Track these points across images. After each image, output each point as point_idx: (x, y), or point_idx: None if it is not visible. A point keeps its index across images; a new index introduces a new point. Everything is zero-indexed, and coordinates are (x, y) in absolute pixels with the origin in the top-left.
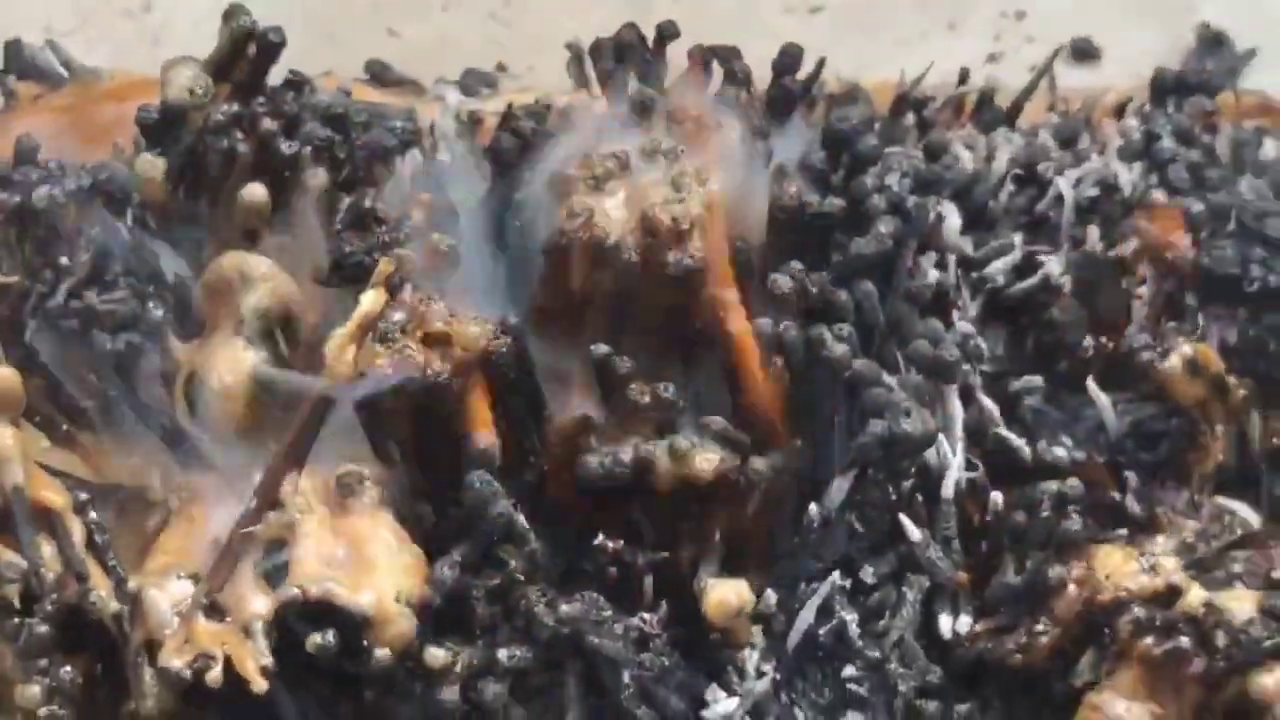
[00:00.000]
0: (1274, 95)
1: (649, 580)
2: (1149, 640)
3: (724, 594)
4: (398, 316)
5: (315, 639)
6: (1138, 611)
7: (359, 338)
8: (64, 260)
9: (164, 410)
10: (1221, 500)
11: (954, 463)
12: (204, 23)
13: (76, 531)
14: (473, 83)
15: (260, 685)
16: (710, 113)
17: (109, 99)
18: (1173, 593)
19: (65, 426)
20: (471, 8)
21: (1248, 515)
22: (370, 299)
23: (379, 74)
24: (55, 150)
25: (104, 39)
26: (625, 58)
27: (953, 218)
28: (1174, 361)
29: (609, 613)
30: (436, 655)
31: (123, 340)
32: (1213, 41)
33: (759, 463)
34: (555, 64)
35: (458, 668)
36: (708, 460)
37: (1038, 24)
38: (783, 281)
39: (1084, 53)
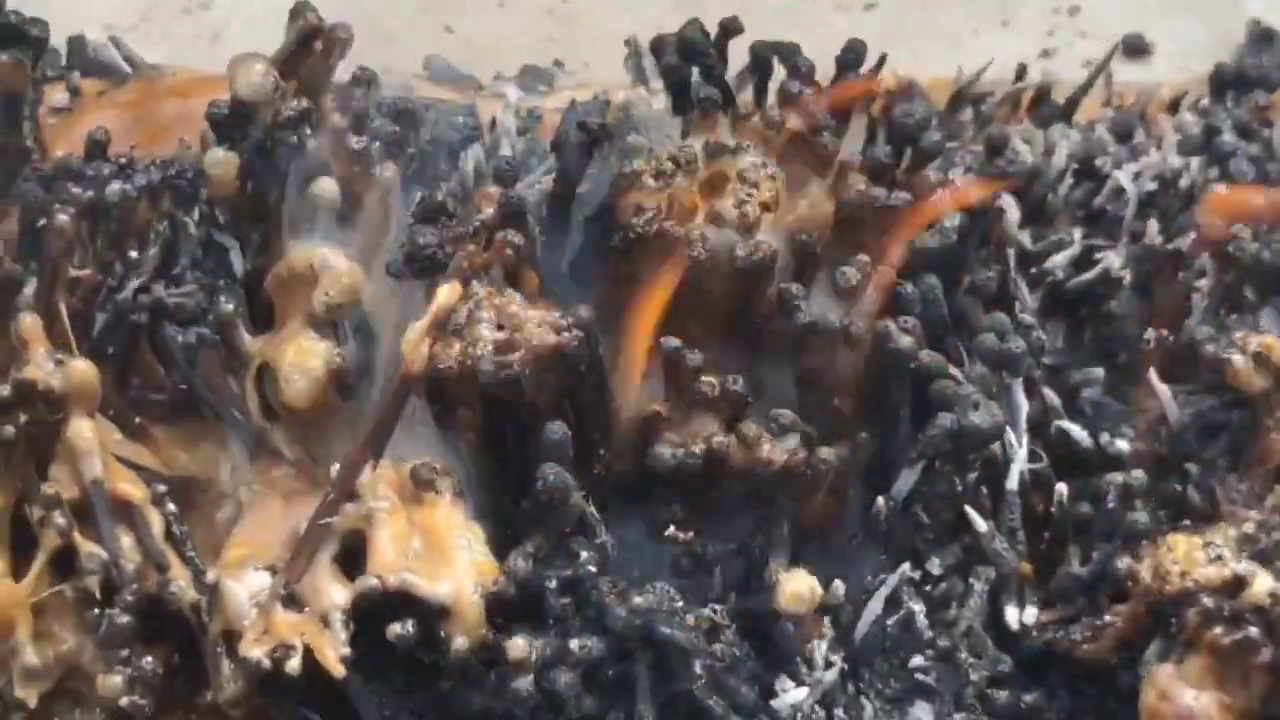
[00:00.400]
0: None
1: (719, 571)
2: (1217, 630)
3: (796, 586)
4: (471, 310)
5: (395, 629)
6: (1206, 601)
7: (434, 331)
8: (134, 254)
9: (234, 403)
10: None
11: (1019, 455)
12: (262, 20)
13: (155, 523)
14: (530, 79)
15: (339, 673)
16: (772, 109)
17: (173, 95)
18: (1239, 583)
19: (137, 419)
20: (527, 5)
21: None
22: (445, 293)
23: (437, 69)
24: (122, 145)
25: (164, 36)
26: (688, 54)
27: (1013, 212)
28: (1239, 354)
29: (680, 604)
30: (518, 645)
31: (193, 333)
32: (1263, 37)
33: (826, 452)
34: (611, 60)
35: (532, 658)
36: (777, 448)
37: (1090, 20)
38: (850, 274)
39: (1136, 48)
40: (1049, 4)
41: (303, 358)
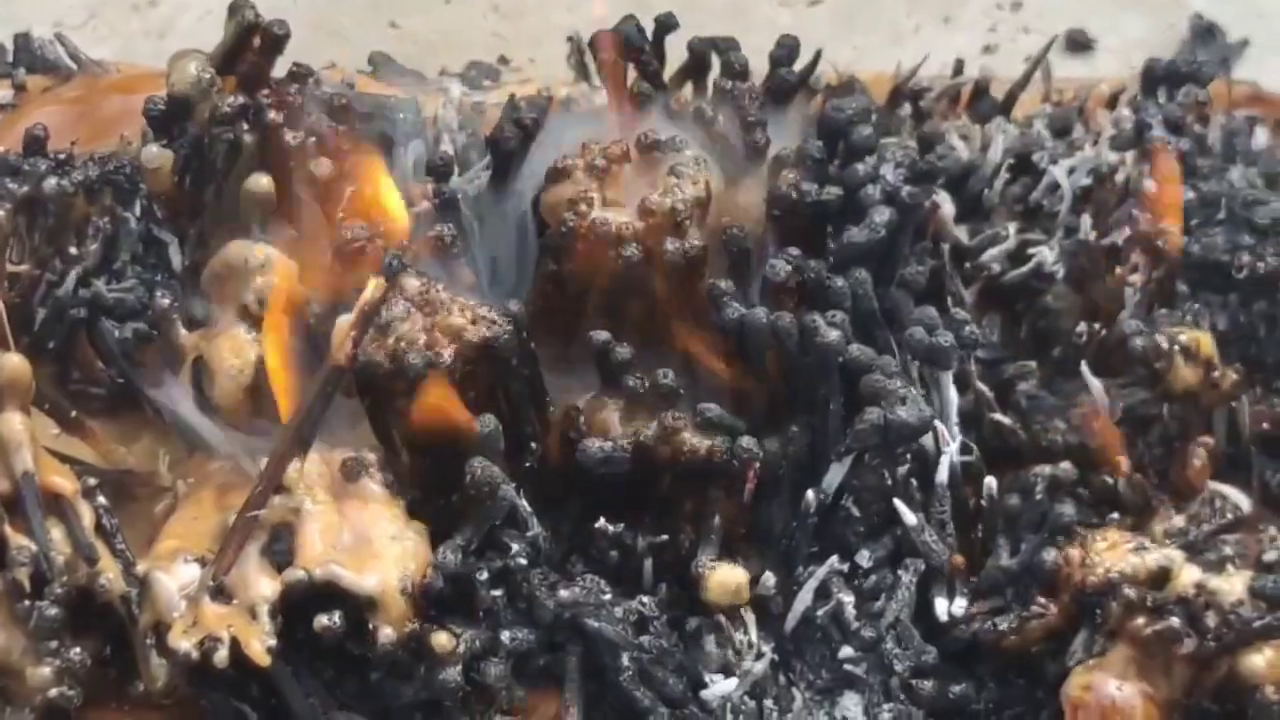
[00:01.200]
0: (1265, 86)
1: (648, 563)
2: (1140, 620)
3: (724, 577)
4: (401, 304)
5: (321, 620)
6: (1129, 592)
7: (362, 325)
8: (73, 249)
9: (171, 396)
10: (1213, 485)
11: (949, 448)
12: (209, 16)
13: (86, 516)
14: (475, 75)
15: (265, 664)
16: (708, 105)
17: (116, 91)
18: (1164, 574)
19: (74, 413)
20: (474, 1)
21: (1239, 499)
22: (372, 287)
23: (381, 65)
24: (65, 141)
25: (112, 33)
26: (624, 50)
27: (947, 206)
28: (1170, 347)
29: (608, 596)
30: (440, 638)
31: (130, 328)
32: (1205, 32)
33: (748, 441)
34: (556, 56)
35: (460, 649)
36: (700, 439)
37: (1033, 15)
38: (780, 268)
39: (1078, 43)
40: (992, 0)
41: (237, 352)
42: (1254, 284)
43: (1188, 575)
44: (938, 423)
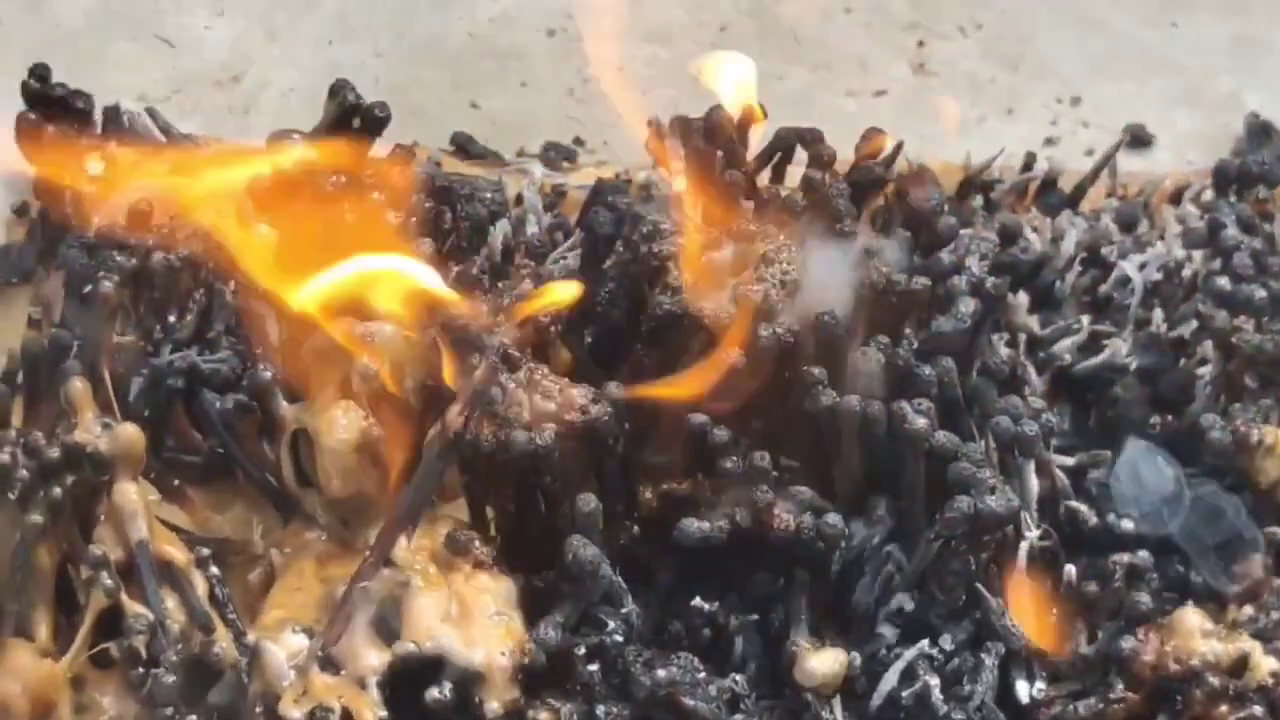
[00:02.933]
0: None
1: (740, 641)
2: (1223, 708)
3: (820, 662)
4: (505, 385)
5: (432, 693)
6: (1211, 680)
7: (469, 406)
8: (171, 319)
9: (269, 468)
10: None
11: (1030, 535)
12: (291, 94)
13: (199, 585)
14: (553, 156)
15: None
16: (793, 193)
17: (208, 165)
18: (1243, 662)
19: (175, 481)
20: (550, 84)
21: None
22: (481, 370)
23: (463, 145)
24: (159, 215)
25: (195, 108)
26: (713, 138)
27: (1021, 297)
28: (1252, 443)
29: (702, 674)
30: (542, 714)
31: (231, 399)
32: (1260, 131)
33: (833, 518)
34: (629, 139)
35: None
36: (789, 516)
37: (1091, 109)
38: (870, 355)
39: (1139, 139)
40: (1052, 93)
41: (339, 426)
42: None
43: (1265, 663)
44: (1025, 512)
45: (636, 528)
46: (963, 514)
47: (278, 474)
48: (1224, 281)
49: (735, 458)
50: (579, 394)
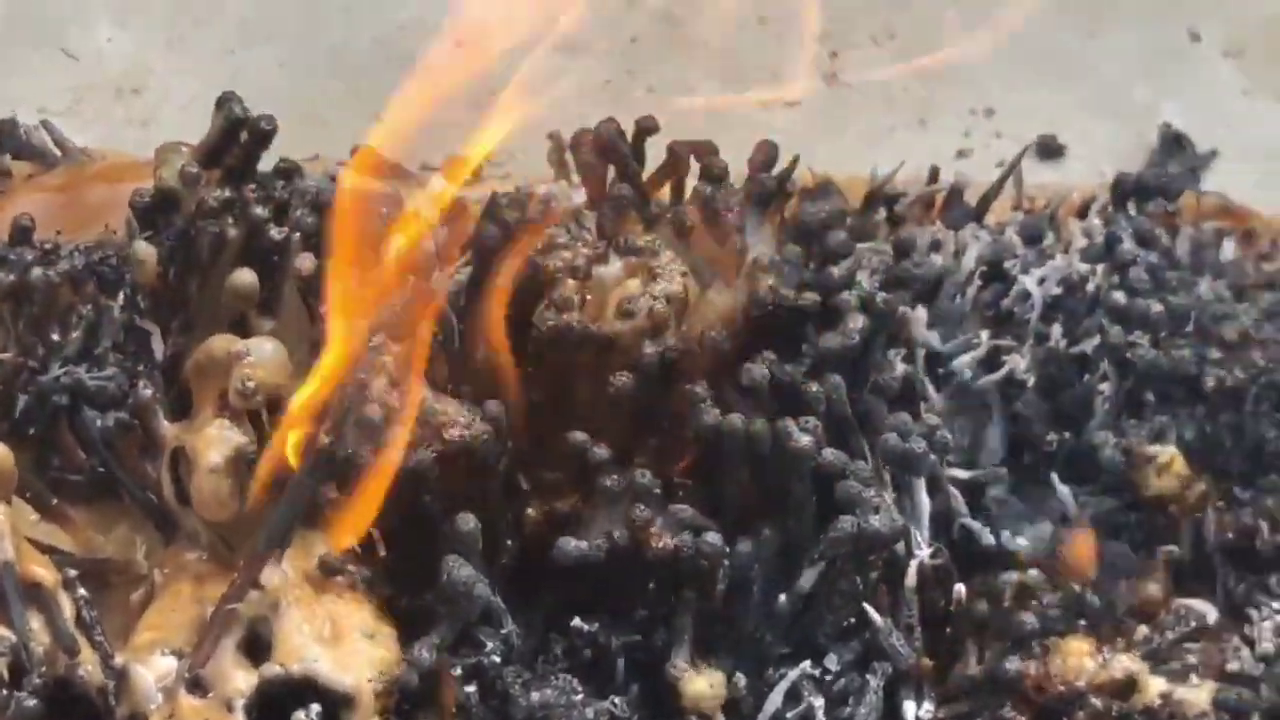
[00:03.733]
0: (1233, 197)
1: (621, 662)
2: None
3: (700, 685)
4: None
5: (299, 716)
6: (1095, 702)
7: (341, 420)
8: (55, 337)
9: (150, 486)
10: (1180, 600)
11: (919, 554)
12: (192, 105)
13: (66, 607)
14: (451, 171)
15: None
16: (686, 209)
17: (101, 179)
18: (1130, 685)
19: (54, 500)
20: (456, 97)
21: (1204, 609)
22: (352, 387)
23: (363, 159)
24: (50, 229)
25: (96, 119)
26: (605, 152)
27: (919, 311)
28: (1143, 462)
29: (580, 696)
30: None
31: (112, 417)
32: (1174, 142)
33: (712, 537)
34: (536, 152)
35: None
36: (667, 536)
37: (1005, 120)
38: (755, 372)
39: (1049, 150)
40: (966, 104)
41: (217, 445)
42: (1221, 397)
43: (1154, 686)
44: (913, 531)
45: (520, 547)
46: (846, 533)
47: (159, 493)
48: (1119, 296)
49: (615, 476)
50: (460, 412)
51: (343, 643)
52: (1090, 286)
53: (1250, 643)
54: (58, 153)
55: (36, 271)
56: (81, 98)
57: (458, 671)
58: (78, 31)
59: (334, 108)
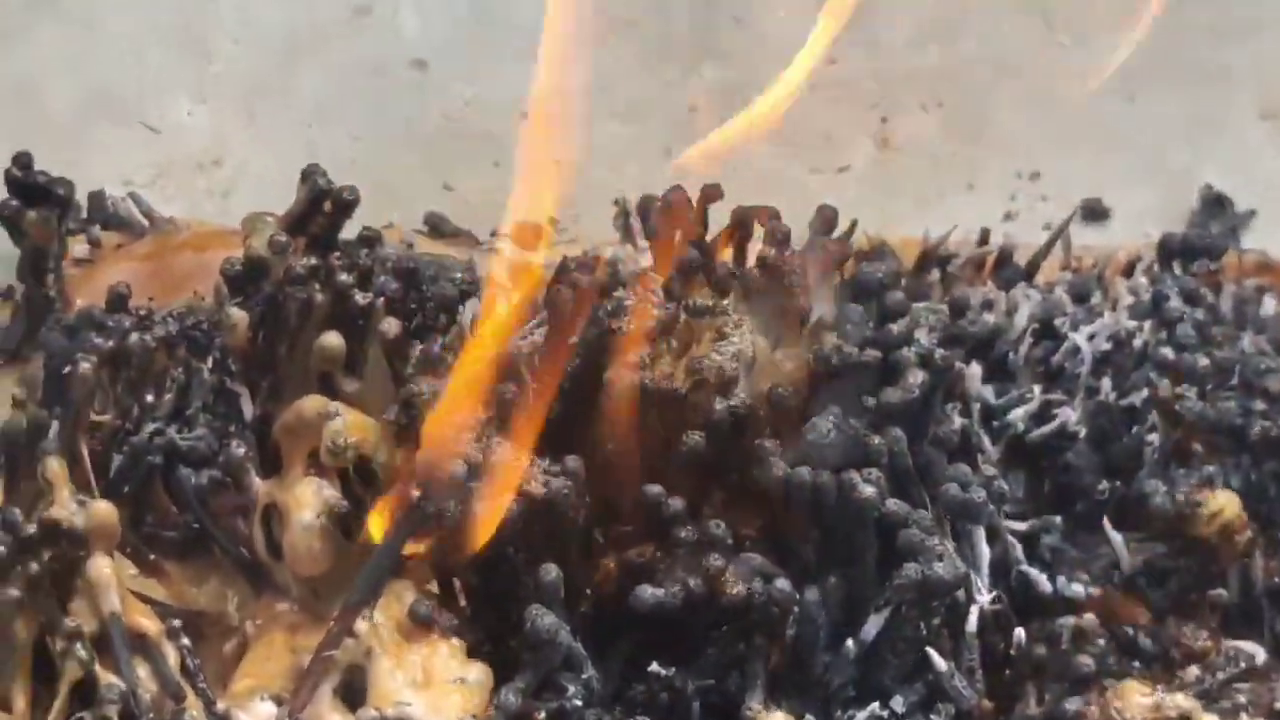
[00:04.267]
0: (1273, 255)
1: (696, 705)
2: None
3: None
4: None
5: None
6: None
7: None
8: (150, 399)
9: (242, 541)
10: (1229, 642)
11: (980, 600)
12: (270, 176)
13: (170, 655)
14: (524, 235)
15: None
16: (753, 272)
17: (187, 248)
18: None
19: (150, 555)
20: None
21: (1253, 650)
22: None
23: (436, 226)
24: (139, 296)
25: (178, 191)
26: (672, 216)
27: (974, 368)
28: (1198, 509)
29: None
30: None
31: (205, 475)
32: (1214, 203)
33: (782, 583)
34: (599, 215)
35: None
36: (740, 583)
37: (1050, 184)
38: (822, 427)
39: (1094, 212)
40: (1011, 168)
41: (307, 501)
42: (1265, 446)
43: None
44: (973, 577)
45: (597, 597)
46: (911, 580)
47: (251, 548)
48: (1167, 351)
49: (689, 527)
50: (540, 467)
51: (433, 687)
52: (1138, 342)
53: None
54: (145, 223)
55: (133, 337)
56: (164, 171)
57: (542, 715)
58: (158, 107)
59: (404, 178)
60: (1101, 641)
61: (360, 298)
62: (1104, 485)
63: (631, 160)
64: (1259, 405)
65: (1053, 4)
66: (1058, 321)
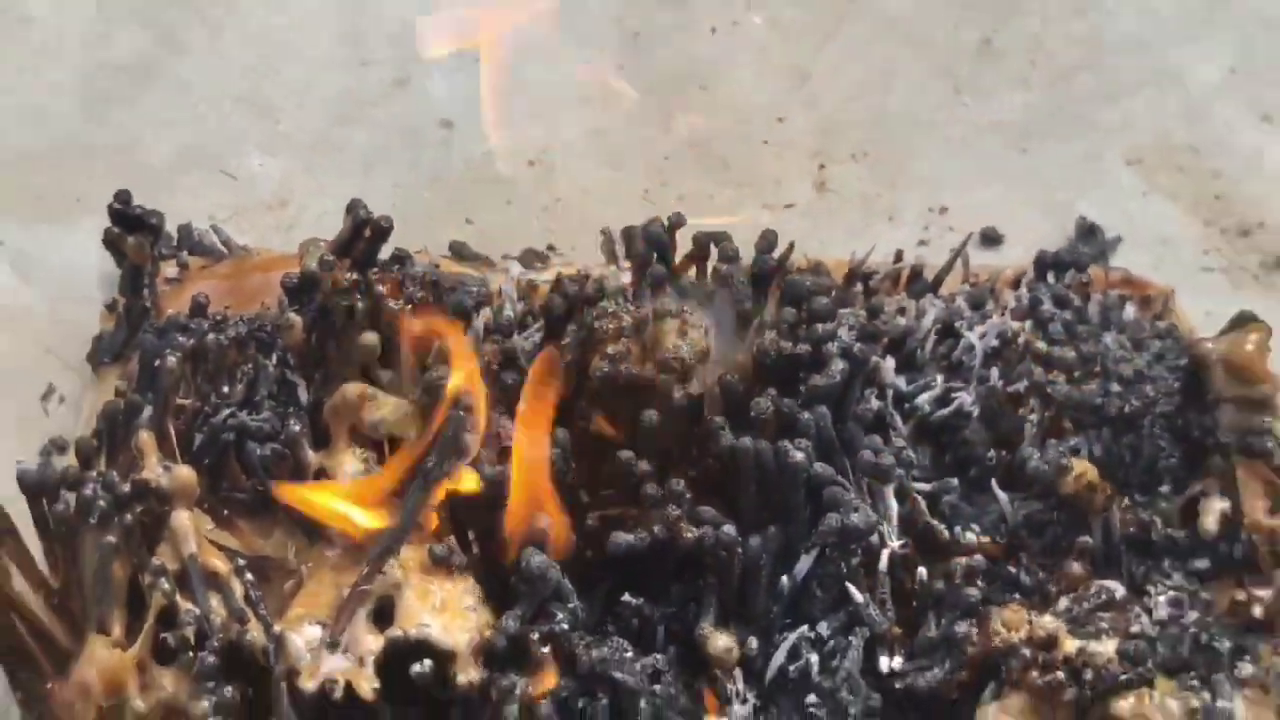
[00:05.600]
0: (1134, 272)
1: (661, 629)
2: (1034, 674)
3: (721, 643)
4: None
5: (415, 668)
6: (1025, 653)
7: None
8: (224, 388)
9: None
10: (1096, 580)
11: (890, 545)
12: (325, 215)
13: (237, 589)
14: (529, 259)
15: (370, 698)
16: (709, 284)
17: (257, 270)
18: (1052, 641)
19: (225, 512)
20: (529, 203)
21: (1114, 586)
22: (453, 423)
23: (459, 251)
24: (218, 306)
25: (251, 226)
26: (651, 242)
27: (889, 362)
28: (1066, 473)
29: (630, 654)
30: (503, 684)
31: (269, 448)
32: (1088, 231)
33: (728, 528)
34: (588, 243)
35: (518, 692)
36: (694, 531)
37: (956, 217)
38: (762, 405)
39: (990, 238)
40: (925, 205)
41: (349, 467)
42: (1121, 422)
43: (1071, 642)
44: (881, 525)
45: (583, 544)
46: (833, 528)
47: None
48: (1041, 345)
49: (655, 485)
50: (535, 440)
51: (449, 613)
52: (1020, 340)
53: (1148, 610)
54: (224, 250)
55: (210, 337)
56: (239, 210)
57: (535, 636)
58: (235, 159)
59: (433, 214)
60: (985, 581)
61: (393, 304)
62: (992, 454)
63: (616, 200)
64: (1116, 389)
65: (959, 71)
66: (957, 324)
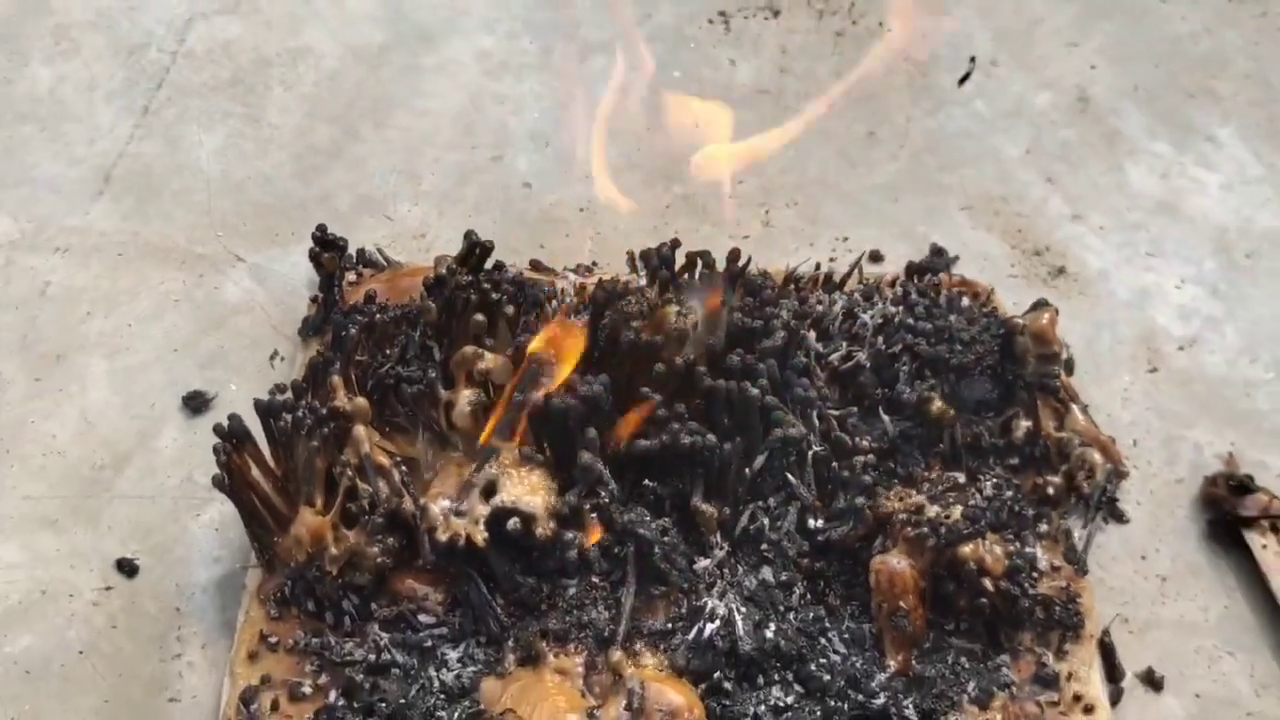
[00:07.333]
0: (970, 277)
1: (668, 503)
2: (909, 530)
3: (706, 510)
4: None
5: (511, 523)
6: (902, 516)
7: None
8: (387, 352)
9: (435, 422)
10: (946, 472)
11: (814, 448)
12: (451, 241)
13: (395, 476)
14: (580, 270)
15: (481, 543)
16: (698, 283)
17: (406, 276)
18: (920, 508)
19: (387, 429)
20: (581, 234)
21: (957, 475)
22: (527, 370)
23: (536, 265)
24: (381, 299)
25: (402, 250)
26: (661, 261)
27: (811, 334)
28: (928, 404)
29: (648, 517)
30: (566, 535)
31: (415, 389)
32: (937, 252)
33: (710, 438)
34: (618, 261)
35: (574, 540)
36: (688, 438)
37: (854, 244)
38: (732, 359)
39: (876, 257)
40: (834, 236)
41: (467, 398)
42: (957, 370)
43: (932, 509)
44: (808, 436)
45: (616, 449)
46: (778, 437)
47: (439, 425)
48: (910, 321)
49: (663, 409)
50: (586, 381)
51: (533, 491)
52: (896, 319)
53: (980, 491)
54: (385, 263)
55: (377, 317)
56: (395, 239)
57: (588, 506)
58: (393, 207)
59: (519, 242)
60: (875, 472)
61: (494, 295)
62: (880, 392)
63: (636, 233)
64: (958, 349)
65: (853, 152)
66: (855, 310)
